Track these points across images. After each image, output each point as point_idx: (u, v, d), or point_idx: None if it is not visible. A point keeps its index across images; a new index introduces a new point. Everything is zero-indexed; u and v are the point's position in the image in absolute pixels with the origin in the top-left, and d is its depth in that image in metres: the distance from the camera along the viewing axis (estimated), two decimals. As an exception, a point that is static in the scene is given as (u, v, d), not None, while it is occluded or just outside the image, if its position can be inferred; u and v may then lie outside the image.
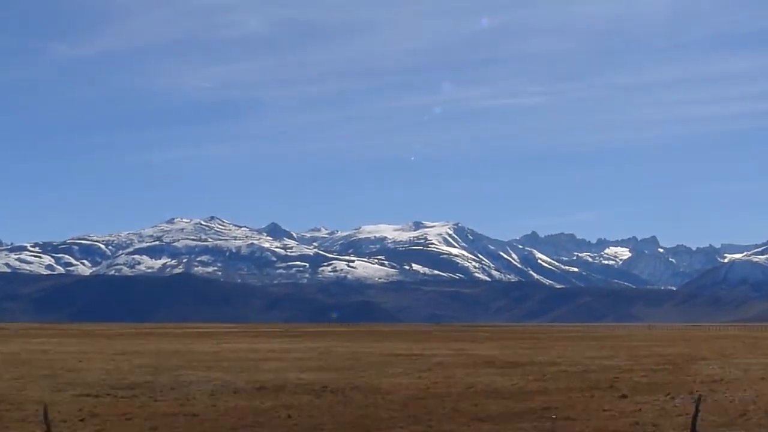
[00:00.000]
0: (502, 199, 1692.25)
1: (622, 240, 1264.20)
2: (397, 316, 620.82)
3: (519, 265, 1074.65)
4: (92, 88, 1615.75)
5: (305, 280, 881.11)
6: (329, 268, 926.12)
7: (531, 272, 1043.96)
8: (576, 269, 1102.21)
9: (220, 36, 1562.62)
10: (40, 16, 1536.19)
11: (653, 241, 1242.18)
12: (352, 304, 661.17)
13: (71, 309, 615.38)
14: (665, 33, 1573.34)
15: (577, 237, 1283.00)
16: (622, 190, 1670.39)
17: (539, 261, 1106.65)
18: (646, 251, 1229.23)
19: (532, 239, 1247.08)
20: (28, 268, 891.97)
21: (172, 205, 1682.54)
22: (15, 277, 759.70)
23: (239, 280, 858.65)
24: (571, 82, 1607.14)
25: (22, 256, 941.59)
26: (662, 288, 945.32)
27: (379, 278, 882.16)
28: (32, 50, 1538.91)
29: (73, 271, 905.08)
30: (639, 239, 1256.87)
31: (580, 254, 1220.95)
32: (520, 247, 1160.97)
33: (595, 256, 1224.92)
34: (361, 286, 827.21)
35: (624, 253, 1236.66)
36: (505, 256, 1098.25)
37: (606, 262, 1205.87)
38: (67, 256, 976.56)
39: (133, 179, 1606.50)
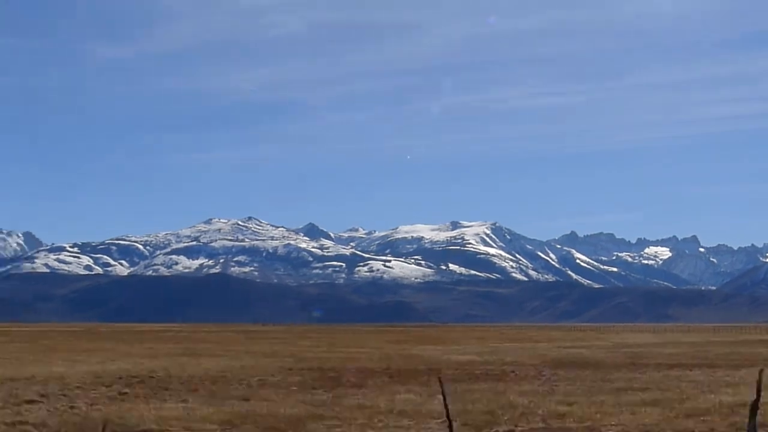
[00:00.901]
0: (541, 199, 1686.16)
1: (663, 240, 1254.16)
2: (429, 316, 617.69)
3: (557, 265, 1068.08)
4: (135, 90, 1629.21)
5: (341, 281, 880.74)
6: (365, 268, 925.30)
7: (569, 272, 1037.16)
8: (615, 269, 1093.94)
9: (262, 37, 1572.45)
10: (84, 18, 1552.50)
11: (694, 240, 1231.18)
12: (385, 305, 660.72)
13: (105, 309, 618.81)
14: (703, 31, 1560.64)
15: (617, 237, 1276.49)
16: (663, 189, 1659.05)
17: (578, 261, 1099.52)
18: (686, 251, 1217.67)
19: (571, 239, 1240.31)
20: (66, 268, 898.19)
21: (211, 205, 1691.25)
22: (51, 277, 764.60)
23: (275, 281, 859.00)
24: (610, 81, 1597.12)
25: (61, 257, 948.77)
26: (702, 288, 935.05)
27: (415, 278, 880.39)
28: (77, 52, 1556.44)
29: (111, 271, 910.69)
30: (680, 239, 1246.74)
31: (619, 254, 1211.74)
32: (558, 246, 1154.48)
33: (635, 256, 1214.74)
34: (396, 286, 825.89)
35: (664, 252, 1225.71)
36: (543, 256, 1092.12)
37: (646, 261, 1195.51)
38: (105, 257, 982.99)
39: (173, 180, 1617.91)
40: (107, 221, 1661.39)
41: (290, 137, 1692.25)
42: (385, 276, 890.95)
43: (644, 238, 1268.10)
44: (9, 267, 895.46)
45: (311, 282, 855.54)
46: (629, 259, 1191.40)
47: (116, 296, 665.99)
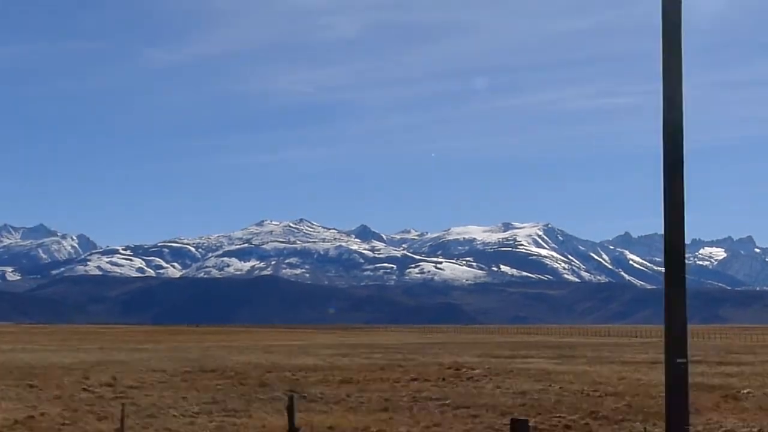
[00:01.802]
0: (596, 200, 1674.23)
1: (718, 240, 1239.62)
2: (477, 318, 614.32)
3: (610, 266, 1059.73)
4: (188, 93, 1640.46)
5: (392, 282, 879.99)
6: (416, 270, 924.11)
7: (622, 273, 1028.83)
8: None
9: (315, 39, 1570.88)
10: (137, 22, 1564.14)
11: (749, 241, 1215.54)
12: (433, 306, 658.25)
13: (156, 311, 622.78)
14: (751, 32, 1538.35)
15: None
16: (718, 189, 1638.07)
17: (630, 262, 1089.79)
18: (742, 251, 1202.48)
19: (625, 240, 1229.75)
20: (118, 271, 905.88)
21: (264, 207, 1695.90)
22: (102, 279, 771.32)
23: (326, 282, 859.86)
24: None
25: (114, 259, 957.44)
26: (757, 289, 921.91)
27: (467, 280, 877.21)
28: (129, 56, 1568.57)
29: (162, 273, 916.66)
30: (735, 239, 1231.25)
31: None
32: (611, 248, 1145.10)
33: (690, 257, 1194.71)
34: (446, 287, 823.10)
35: (719, 253, 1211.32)
36: (596, 257, 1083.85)
37: (701, 262, 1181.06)
38: (157, 259, 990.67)
39: (227, 182, 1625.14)
40: (161, 224, 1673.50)
41: (344, 139, 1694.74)
42: (435, 278, 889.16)
43: (699, 239, 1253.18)
44: (62, 269, 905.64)
45: (362, 284, 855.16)
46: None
47: (166, 298, 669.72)
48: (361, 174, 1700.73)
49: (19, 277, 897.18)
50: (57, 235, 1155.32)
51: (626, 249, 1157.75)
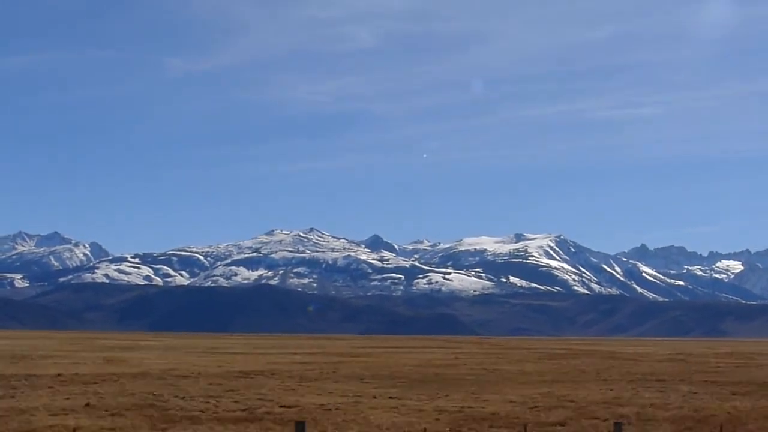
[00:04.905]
0: (612, 212, 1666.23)
1: (735, 253, 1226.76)
2: (476, 329, 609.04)
3: (622, 278, 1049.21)
4: (206, 102, 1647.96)
5: (399, 293, 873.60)
6: (424, 281, 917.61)
7: (634, 285, 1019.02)
8: (682, 283, 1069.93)
9: (334, 49, 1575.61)
10: (157, 31, 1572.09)
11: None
12: (431, 317, 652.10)
13: (152, 319, 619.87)
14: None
15: (688, 250, 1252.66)
16: (737, 201, 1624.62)
17: (643, 274, 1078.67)
18: (759, 264, 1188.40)
19: (641, 252, 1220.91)
20: (125, 278, 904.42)
21: (276, 216, 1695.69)
22: (102, 287, 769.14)
23: (333, 292, 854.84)
24: (687, 91, 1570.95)
25: (122, 267, 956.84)
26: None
27: (474, 291, 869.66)
28: (149, 65, 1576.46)
29: (170, 282, 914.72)
30: (753, 252, 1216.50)
31: (690, 267, 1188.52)
32: (624, 260, 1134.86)
33: (706, 270, 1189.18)
34: (450, 298, 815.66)
35: (736, 266, 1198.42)
36: (608, 269, 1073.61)
37: (717, 275, 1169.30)
38: (165, 267, 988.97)
39: (241, 191, 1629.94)
40: (173, 232, 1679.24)
41: (360, 148, 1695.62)
42: (443, 288, 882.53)
43: (716, 251, 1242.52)
44: (70, 277, 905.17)
45: (369, 294, 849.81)
46: (700, 273, 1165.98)
47: (164, 306, 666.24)
48: (376, 184, 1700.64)
49: (26, 285, 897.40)
50: (70, 243, 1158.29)
51: (641, 261, 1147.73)
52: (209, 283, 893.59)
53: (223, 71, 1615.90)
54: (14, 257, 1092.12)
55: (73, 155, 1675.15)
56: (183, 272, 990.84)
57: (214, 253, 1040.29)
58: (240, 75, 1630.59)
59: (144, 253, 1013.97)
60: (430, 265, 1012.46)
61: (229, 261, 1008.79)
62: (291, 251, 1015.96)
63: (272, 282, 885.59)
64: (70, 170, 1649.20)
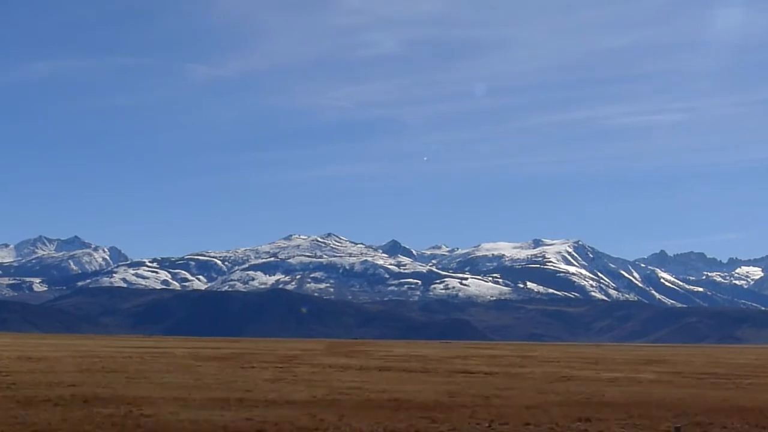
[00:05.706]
0: (632, 218, 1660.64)
1: (755, 259, 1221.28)
2: (488, 335, 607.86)
3: (640, 285, 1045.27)
4: (228, 109, 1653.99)
5: (416, 298, 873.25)
6: (441, 286, 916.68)
7: (653, 292, 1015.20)
8: (701, 289, 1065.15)
9: (357, 56, 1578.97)
10: (181, 38, 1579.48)
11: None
12: (445, 322, 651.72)
13: (168, 324, 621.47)
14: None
15: (708, 256, 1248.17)
16: (758, 208, 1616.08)
17: (662, 280, 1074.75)
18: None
19: (660, 258, 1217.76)
20: (143, 283, 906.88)
21: (295, 221, 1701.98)
22: (119, 292, 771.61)
23: (349, 297, 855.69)
24: (708, 98, 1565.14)
25: (140, 272, 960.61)
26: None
27: (491, 297, 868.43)
28: (173, 71, 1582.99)
29: (188, 286, 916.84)
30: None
31: (709, 274, 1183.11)
32: (642, 266, 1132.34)
33: (726, 276, 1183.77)
34: (466, 304, 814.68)
35: (756, 272, 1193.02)
36: (626, 275, 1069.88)
37: (736, 282, 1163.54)
38: (183, 272, 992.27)
39: (262, 197, 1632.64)
40: (192, 237, 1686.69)
41: (381, 155, 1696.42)
42: (460, 294, 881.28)
43: (736, 258, 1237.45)
44: (88, 281, 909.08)
45: (385, 299, 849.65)
46: (719, 279, 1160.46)
47: (177, 311, 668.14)
48: (396, 189, 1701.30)
49: (45, 289, 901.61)
50: (89, 248, 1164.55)
51: (660, 267, 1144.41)
52: (226, 288, 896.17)
53: (247, 78, 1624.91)
54: (34, 261, 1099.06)
55: (95, 161, 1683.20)
56: (200, 277, 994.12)
57: (232, 258, 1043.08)
58: (262, 82, 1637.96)
59: (162, 258, 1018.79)
60: (447, 270, 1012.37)
61: (246, 266, 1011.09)
62: (308, 256, 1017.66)
63: (289, 287, 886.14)
64: (91, 175, 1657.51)
